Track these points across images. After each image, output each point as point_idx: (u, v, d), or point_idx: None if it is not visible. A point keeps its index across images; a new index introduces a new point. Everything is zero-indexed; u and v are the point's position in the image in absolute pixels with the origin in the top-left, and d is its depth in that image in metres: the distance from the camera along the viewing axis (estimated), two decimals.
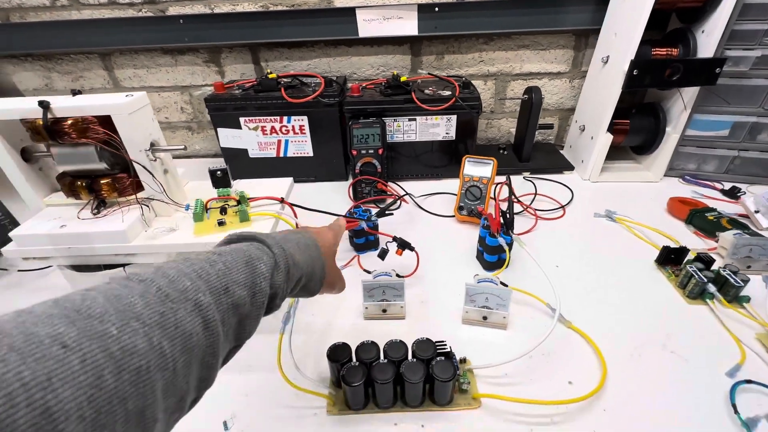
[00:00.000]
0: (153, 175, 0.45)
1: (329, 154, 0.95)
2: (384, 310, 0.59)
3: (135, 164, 0.44)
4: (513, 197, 0.68)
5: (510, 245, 0.64)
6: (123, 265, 0.47)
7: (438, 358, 0.45)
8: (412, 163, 0.96)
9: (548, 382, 0.49)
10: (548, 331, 0.50)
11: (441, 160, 0.96)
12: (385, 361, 0.45)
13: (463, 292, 0.59)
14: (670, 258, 0.65)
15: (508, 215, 0.66)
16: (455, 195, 0.89)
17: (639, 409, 0.45)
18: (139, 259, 0.46)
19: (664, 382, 0.48)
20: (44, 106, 0.41)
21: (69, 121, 0.42)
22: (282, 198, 0.51)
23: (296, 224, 0.50)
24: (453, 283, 0.65)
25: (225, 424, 0.46)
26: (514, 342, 0.55)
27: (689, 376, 0.49)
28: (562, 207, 0.84)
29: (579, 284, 0.63)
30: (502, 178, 0.81)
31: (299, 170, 0.95)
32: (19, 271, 0.69)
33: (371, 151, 0.86)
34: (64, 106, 0.43)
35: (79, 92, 0.46)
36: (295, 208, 0.54)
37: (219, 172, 0.50)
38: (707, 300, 0.59)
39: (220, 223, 0.46)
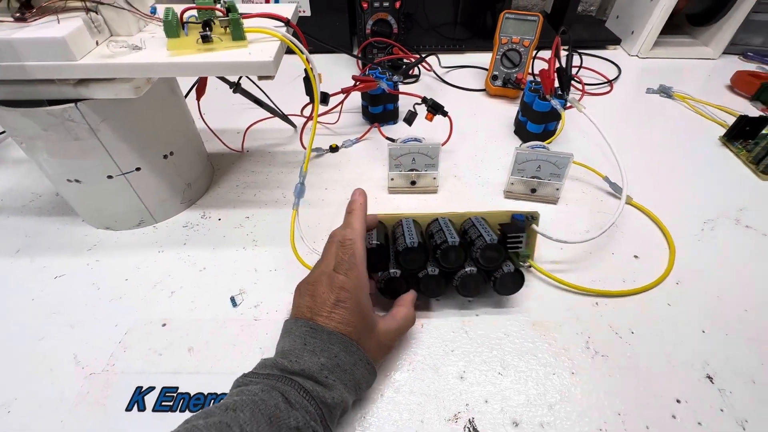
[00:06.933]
0: None
1: (331, 16, 0.77)
2: (413, 182, 0.49)
3: None
4: (570, 51, 0.55)
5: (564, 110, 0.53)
6: (74, 101, 0.34)
7: (506, 268, 0.34)
8: (431, 33, 0.80)
9: (611, 257, 0.42)
10: (615, 206, 0.41)
11: (466, 29, 0.80)
12: (436, 272, 0.34)
13: (503, 166, 0.49)
14: (744, 131, 0.56)
15: (566, 73, 0.54)
16: (484, 69, 0.76)
17: (716, 283, 0.39)
18: (94, 91, 0.33)
19: (742, 256, 0.42)
20: None
21: None
22: (288, 19, 0.37)
23: (307, 58, 0.36)
24: (490, 158, 0.55)
25: (233, 300, 0.38)
26: (567, 216, 0.47)
27: None
28: (609, 82, 0.72)
29: (635, 161, 0.54)
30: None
31: None
32: None
33: (386, 4, 0.68)
34: None
35: None
36: (305, 37, 0.40)
37: None
38: None
39: (205, 38, 0.33)
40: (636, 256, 0.42)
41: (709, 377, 0.32)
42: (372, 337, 0.30)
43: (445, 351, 0.34)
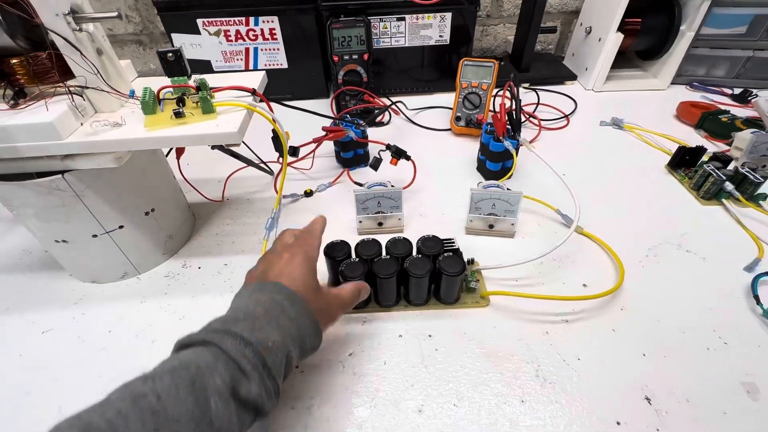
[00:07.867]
0: (81, 52, 0.35)
1: (307, 66, 0.83)
2: (380, 224, 0.53)
3: (53, 35, 0.33)
4: (519, 97, 0.60)
5: (517, 150, 0.57)
6: (61, 172, 0.38)
7: (445, 254, 0.41)
8: (401, 76, 0.86)
9: (561, 285, 0.45)
10: (565, 235, 0.45)
11: (433, 71, 0.86)
12: (388, 257, 0.41)
13: (466, 203, 0.53)
14: (684, 160, 0.61)
15: (514, 116, 0.59)
16: (450, 109, 0.81)
17: (658, 307, 0.43)
18: (79, 163, 0.38)
19: (683, 279, 0.46)
20: None
21: None
22: (254, 89, 0.42)
23: (273, 119, 0.41)
24: (453, 195, 0.59)
25: None
26: (523, 249, 0.50)
27: (708, 273, 0.46)
28: (566, 116, 0.78)
29: (588, 191, 0.59)
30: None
31: (272, 87, 0.82)
32: None
33: (355, 57, 0.75)
34: None
35: None
36: (271, 103, 0.45)
37: (171, 54, 0.39)
38: (722, 200, 0.55)
39: (178, 114, 0.37)
40: (585, 285, 0.45)
41: (647, 399, 0.35)
42: (317, 297, 0.32)
43: (405, 386, 0.37)
